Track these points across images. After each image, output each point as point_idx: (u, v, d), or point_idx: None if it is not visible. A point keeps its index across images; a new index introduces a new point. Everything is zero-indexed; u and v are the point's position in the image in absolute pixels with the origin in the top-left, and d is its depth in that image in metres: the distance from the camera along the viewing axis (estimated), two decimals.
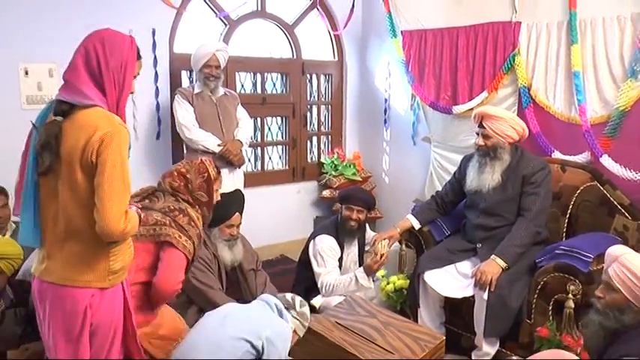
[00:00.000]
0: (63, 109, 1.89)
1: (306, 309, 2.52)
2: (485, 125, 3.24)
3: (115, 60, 1.93)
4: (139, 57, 2.06)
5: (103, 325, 2.03)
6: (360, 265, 3.74)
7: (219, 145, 3.98)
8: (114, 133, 1.86)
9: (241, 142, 4.11)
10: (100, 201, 1.84)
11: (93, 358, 2.05)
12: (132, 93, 2.06)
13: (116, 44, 1.95)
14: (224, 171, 3.93)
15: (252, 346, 2.19)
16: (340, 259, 3.75)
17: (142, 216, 2.07)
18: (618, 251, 2.16)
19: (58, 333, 1.99)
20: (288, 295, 2.53)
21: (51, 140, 1.86)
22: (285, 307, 2.44)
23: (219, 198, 2.80)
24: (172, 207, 2.55)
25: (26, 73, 3.80)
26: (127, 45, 1.98)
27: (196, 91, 4.04)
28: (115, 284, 2.04)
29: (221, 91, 4.14)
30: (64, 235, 1.94)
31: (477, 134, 3.32)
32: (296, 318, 2.44)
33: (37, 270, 2.01)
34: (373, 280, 3.72)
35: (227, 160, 4.01)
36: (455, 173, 3.66)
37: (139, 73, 2.09)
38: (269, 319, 2.35)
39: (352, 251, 3.83)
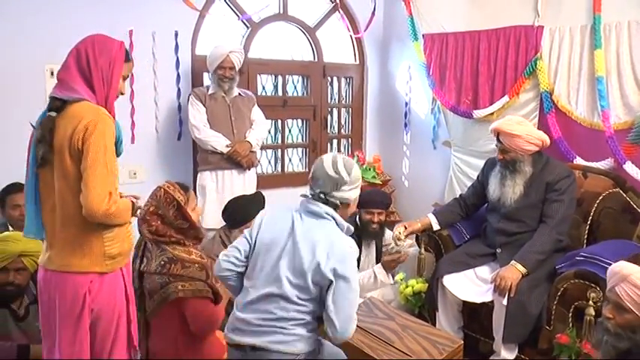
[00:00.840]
0: (56, 105, 2.05)
1: None
2: (502, 141, 3.23)
3: (104, 59, 2.10)
4: (128, 59, 2.23)
5: (106, 311, 2.14)
6: None
7: (227, 146, 3.98)
8: (98, 120, 2.01)
9: (250, 144, 4.07)
10: (84, 184, 1.99)
11: (99, 344, 2.16)
12: (122, 94, 2.23)
13: (105, 45, 2.13)
14: (233, 172, 4.02)
15: None
16: (358, 260, 3.75)
17: (135, 205, 2.21)
18: (626, 270, 2.06)
19: (60, 318, 2.09)
20: None
21: (45, 134, 2.02)
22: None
23: (199, 214, 2.77)
24: (162, 262, 2.47)
25: (52, 74, 3.85)
26: (116, 47, 2.16)
27: (210, 92, 4.07)
28: (114, 269, 2.16)
29: (235, 91, 4.14)
30: (60, 223, 2.08)
31: (496, 146, 3.30)
32: None
33: (41, 260, 2.15)
34: (392, 277, 3.73)
35: (235, 161, 4.01)
36: (478, 176, 3.64)
37: (128, 75, 2.27)
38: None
39: (370, 252, 3.84)
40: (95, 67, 2.08)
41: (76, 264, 2.07)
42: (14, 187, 3.53)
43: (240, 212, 3.36)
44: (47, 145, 2.02)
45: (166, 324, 2.50)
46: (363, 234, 3.77)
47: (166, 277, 2.43)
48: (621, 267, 2.10)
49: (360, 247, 3.77)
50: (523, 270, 3.01)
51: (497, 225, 3.34)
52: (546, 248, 3.08)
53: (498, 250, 3.28)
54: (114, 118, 2.12)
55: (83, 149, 1.98)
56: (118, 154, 2.15)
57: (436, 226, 3.62)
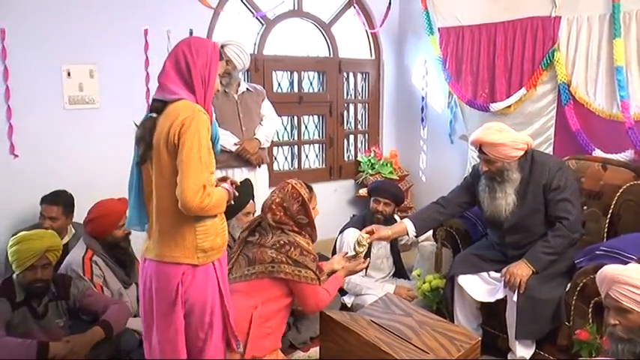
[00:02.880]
0: (157, 106, 2.15)
1: None
2: (485, 152, 2.99)
3: (201, 60, 2.15)
4: (221, 57, 2.31)
5: (198, 304, 2.19)
6: (392, 261, 3.88)
7: (235, 144, 3.88)
8: (193, 116, 2.06)
9: (259, 141, 3.98)
10: (179, 177, 2.04)
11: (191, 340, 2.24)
12: (218, 91, 2.35)
13: (201, 46, 2.18)
14: (243, 170, 3.95)
15: None
16: (369, 251, 3.73)
17: (232, 193, 2.30)
18: (612, 271, 2.04)
19: (156, 306, 2.18)
20: None
21: (145, 134, 2.12)
22: None
23: (318, 214, 2.87)
24: (283, 242, 2.64)
25: (68, 74, 3.90)
26: (211, 47, 2.21)
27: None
28: (206, 263, 2.20)
29: (243, 87, 4.02)
30: (156, 215, 2.17)
31: (479, 158, 3.09)
32: None
33: (142, 250, 2.26)
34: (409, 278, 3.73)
35: (245, 159, 3.93)
36: (466, 177, 3.45)
37: (221, 73, 2.34)
38: None
39: (381, 245, 3.79)
40: (194, 68, 2.14)
41: (169, 255, 2.15)
42: (48, 198, 3.54)
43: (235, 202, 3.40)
44: (146, 144, 2.11)
45: (255, 292, 2.62)
46: (370, 224, 3.75)
47: (283, 255, 2.60)
48: (606, 272, 2.07)
49: None
50: (533, 269, 2.95)
51: (504, 240, 3.18)
52: (561, 249, 2.97)
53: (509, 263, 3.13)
54: (211, 116, 2.20)
55: (179, 144, 2.04)
56: (215, 153, 2.23)
57: (412, 233, 3.34)
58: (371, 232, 3.22)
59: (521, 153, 3.01)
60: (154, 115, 2.13)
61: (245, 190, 3.37)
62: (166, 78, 2.15)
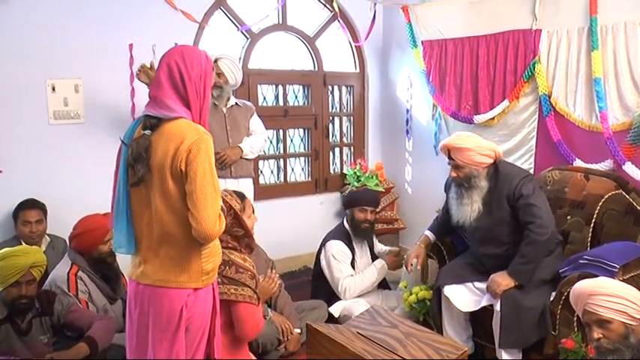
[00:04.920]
0: (151, 123, 2.03)
1: None
2: (453, 157, 3.12)
3: (196, 71, 2.06)
4: (212, 69, 2.22)
5: (195, 323, 2.15)
6: None
7: (216, 153, 3.85)
8: (200, 141, 1.98)
9: (241, 149, 3.96)
10: (195, 208, 1.97)
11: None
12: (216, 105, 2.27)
13: (195, 57, 2.09)
14: (230, 181, 3.87)
15: None
16: (353, 263, 3.75)
17: (224, 209, 2.21)
18: (584, 287, 2.11)
19: (156, 331, 2.11)
20: None
21: (142, 153, 1.99)
22: None
23: (255, 221, 2.86)
24: None
25: (53, 89, 3.89)
26: (204, 57, 2.12)
27: None
28: (208, 284, 2.18)
29: (232, 101, 4.03)
30: (158, 240, 2.07)
31: (449, 164, 3.19)
32: None
33: (133, 274, 2.15)
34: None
35: (222, 163, 3.82)
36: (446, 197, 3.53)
37: (213, 83, 2.28)
38: None
39: (365, 254, 3.84)
40: (189, 80, 2.05)
41: (174, 280, 2.07)
42: (27, 204, 3.61)
43: None
44: (145, 165, 2.00)
45: None
46: (355, 234, 3.78)
47: (219, 277, 2.47)
48: (579, 289, 2.14)
49: (352, 249, 3.78)
50: (516, 282, 2.99)
51: (479, 251, 3.27)
52: (535, 256, 3.00)
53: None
54: (207, 129, 2.10)
55: (187, 171, 1.96)
56: None
57: (433, 238, 3.63)
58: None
59: (489, 161, 3.11)
60: (148, 132, 2.02)
61: None
62: (161, 91, 2.05)
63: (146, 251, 2.11)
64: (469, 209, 3.14)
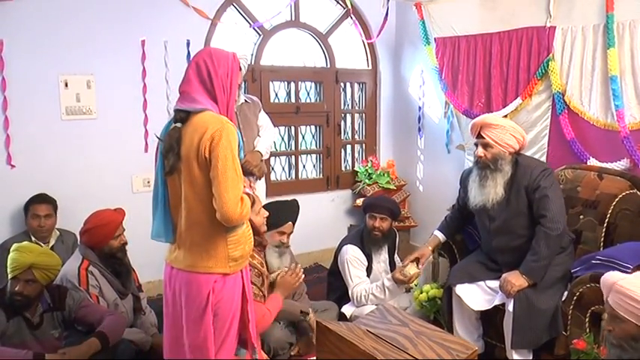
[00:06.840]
0: (181, 116, 2.17)
1: None
2: (484, 135, 3.08)
3: (223, 70, 2.20)
4: (240, 68, 2.36)
5: (223, 309, 2.25)
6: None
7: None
8: (222, 129, 2.09)
9: (261, 153, 3.95)
10: (217, 192, 2.08)
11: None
12: (236, 102, 2.35)
13: (222, 56, 2.23)
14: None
15: None
16: (369, 268, 3.73)
17: (252, 197, 2.33)
18: (612, 278, 2.05)
19: (186, 314, 2.24)
20: None
21: (173, 144, 2.14)
22: None
23: (265, 215, 2.88)
24: None
25: (66, 85, 3.92)
26: (231, 57, 2.25)
27: None
28: (236, 271, 2.27)
29: (241, 98, 3.97)
30: (186, 226, 2.21)
31: (476, 145, 3.16)
32: None
33: (168, 257, 2.30)
34: (406, 291, 3.71)
35: (248, 171, 3.80)
36: (460, 191, 3.51)
37: (240, 83, 2.35)
38: None
39: (382, 260, 3.80)
40: (216, 77, 2.18)
41: (202, 265, 2.19)
42: (37, 198, 3.66)
43: (273, 216, 3.30)
44: (176, 155, 2.14)
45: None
46: (367, 240, 3.74)
47: None
48: (607, 277, 2.09)
49: (369, 256, 3.73)
50: (530, 281, 2.96)
51: (492, 243, 3.24)
52: (548, 252, 2.96)
53: (504, 272, 3.14)
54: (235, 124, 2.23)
55: (211, 158, 2.08)
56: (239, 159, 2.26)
57: (443, 238, 3.59)
58: (417, 260, 3.50)
59: (516, 146, 3.09)
60: (179, 125, 2.16)
61: (285, 208, 3.36)
62: (189, 86, 2.19)
63: (179, 237, 2.25)
64: (493, 191, 3.08)
